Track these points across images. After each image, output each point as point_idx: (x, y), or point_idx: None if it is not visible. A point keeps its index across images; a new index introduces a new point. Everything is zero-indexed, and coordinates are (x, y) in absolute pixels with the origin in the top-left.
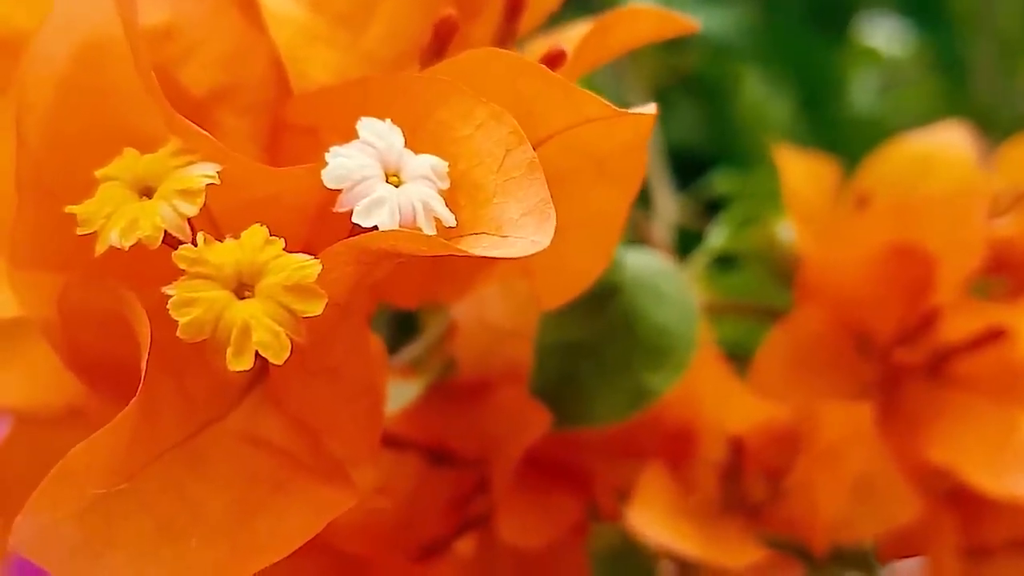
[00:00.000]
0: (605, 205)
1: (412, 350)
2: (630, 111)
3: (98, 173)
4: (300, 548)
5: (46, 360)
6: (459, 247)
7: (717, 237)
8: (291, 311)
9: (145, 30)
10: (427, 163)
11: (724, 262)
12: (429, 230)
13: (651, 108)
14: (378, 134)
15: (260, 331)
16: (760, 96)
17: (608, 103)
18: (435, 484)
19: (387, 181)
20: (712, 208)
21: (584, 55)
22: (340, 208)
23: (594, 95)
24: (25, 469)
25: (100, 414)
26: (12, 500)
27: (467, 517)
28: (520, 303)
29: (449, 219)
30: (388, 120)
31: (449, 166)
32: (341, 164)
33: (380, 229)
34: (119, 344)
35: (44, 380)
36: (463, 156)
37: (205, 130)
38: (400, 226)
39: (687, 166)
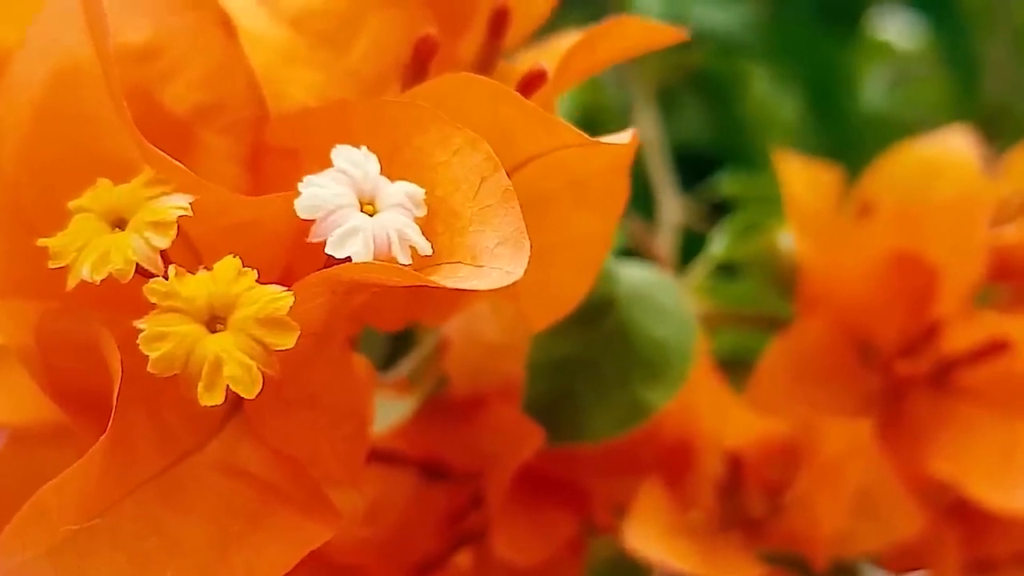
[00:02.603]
0: (587, 228)
1: (406, 365)
2: (605, 139)
3: (71, 204)
4: None
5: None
6: (432, 279)
7: (718, 245)
8: (263, 344)
9: (127, 48)
10: (402, 191)
11: (727, 270)
12: (404, 259)
13: (627, 136)
14: (353, 162)
15: (231, 365)
16: (768, 94)
17: (582, 133)
18: (430, 500)
19: (362, 210)
20: (718, 209)
21: (570, 68)
22: (313, 238)
23: (568, 124)
24: (18, 485)
25: (84, 436)
26: (6, 515)
27: (462, 533)
28: (512, 318)
29: (425, 248)
30: (364, 147)
31: (426, 193)
32: (314, 194)
33: (354, 260)
34: (97, 373)
35: (32, 399)
36: (440, 183)
37: (188, 149)
38: (375, 255)
39: (693, 166)
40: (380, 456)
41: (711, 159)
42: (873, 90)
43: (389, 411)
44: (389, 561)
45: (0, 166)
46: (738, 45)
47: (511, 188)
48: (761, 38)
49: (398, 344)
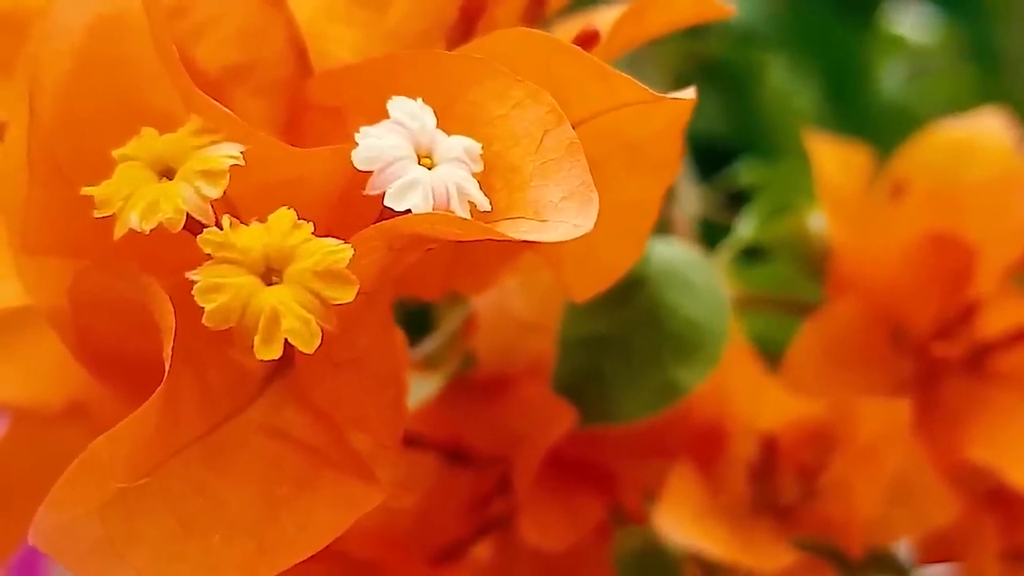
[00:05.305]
0: (638, 194)
1: (428, 345)
2: (668, 96)
3: (115, 153)
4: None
5: (47, 354)
6: (498, 231)
7: (745, 228)
8: (321, 298)
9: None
10: (460, 145)
11: (750, 254)
12: (463, 214)
13: (689, 93)
14: (410, 114)
15: (289, 318)
16: (785, 84)
17: (646, 87)
18: (453, 485)
19: (419, 163)
20: (735, 200)
21: (618, 39)
22: (371, 191)
23: (631, 79)
24: (24, 467)
25: (104, 410)
26: (11, 499)
27: (486, 519)
28: (543, 295)
29: (484, 203)
30: (419, 99)
31: (483, 148)
32: (372, 145)
33: (414, 213)
34: (133, 334)
35: (45, 375)
36: (498, 137)
37: None
38: (434, 210)
39: (709, 156)
40: (402, 439)
41: (728, 149)
42: (890, 82)
43: (411, 392)
44: (409, 548)
45: (36, 116)
46: (754, 35)
47: (577, 141)
48: (778, 28)
49: (411, 328)
